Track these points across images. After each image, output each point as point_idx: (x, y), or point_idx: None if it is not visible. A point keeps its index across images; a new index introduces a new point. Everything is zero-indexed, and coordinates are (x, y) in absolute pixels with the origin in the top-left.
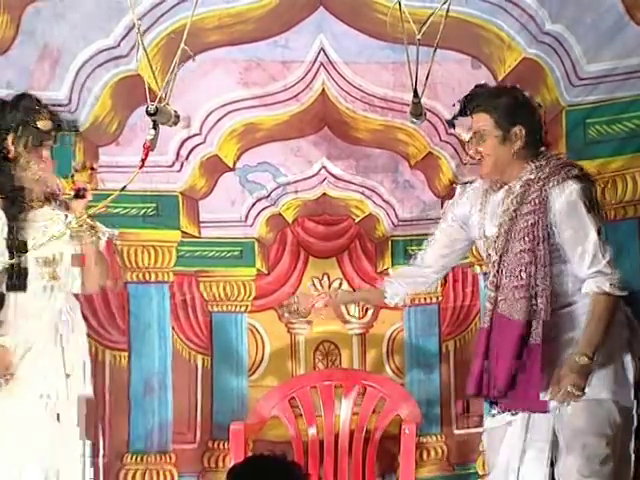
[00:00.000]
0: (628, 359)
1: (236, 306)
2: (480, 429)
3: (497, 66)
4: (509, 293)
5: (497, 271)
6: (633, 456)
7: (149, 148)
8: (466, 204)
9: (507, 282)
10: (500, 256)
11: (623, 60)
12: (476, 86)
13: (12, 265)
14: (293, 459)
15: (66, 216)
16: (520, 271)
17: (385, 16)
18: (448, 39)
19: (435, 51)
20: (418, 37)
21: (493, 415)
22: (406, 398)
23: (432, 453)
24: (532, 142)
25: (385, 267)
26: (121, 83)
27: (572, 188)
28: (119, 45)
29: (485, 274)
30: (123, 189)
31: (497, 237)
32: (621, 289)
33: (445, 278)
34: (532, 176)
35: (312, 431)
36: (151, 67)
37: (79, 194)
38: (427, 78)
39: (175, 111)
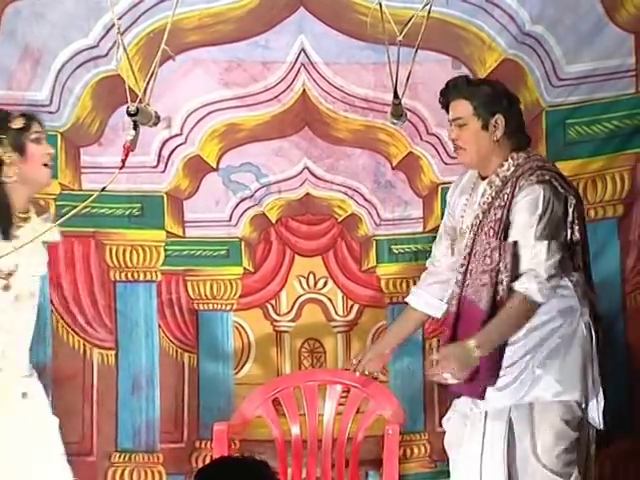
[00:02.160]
0: (594, 364)
1: (222, 304)
2: None
3: (477, 67)
4: (476, 278)
5: (468, 254)
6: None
7: (129, 148)
8: (456, 195)
9: (475, 267)
10: (473, 240)
11: (603, 61)
12: (454, 78)
13: None
14: (262, 460)
15: None
16: (485, 256)
17: (365, 17)
18: (429, 40)
19: (416, 52)
20: (399, 38)
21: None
22: (390, 398)
23: (415, 451)
24: (512, 133)
25: (370, 266)
26: (101, 83)
27: (538, 193)
28: (98, 45)
29: None
30: (103, 190)
31: (471, 226)
32: (544, 297)
33: None
34: (509, 172)
35: (295, 431)
36: (131, 67)
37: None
38: (408, 79)
39: (156, 112)
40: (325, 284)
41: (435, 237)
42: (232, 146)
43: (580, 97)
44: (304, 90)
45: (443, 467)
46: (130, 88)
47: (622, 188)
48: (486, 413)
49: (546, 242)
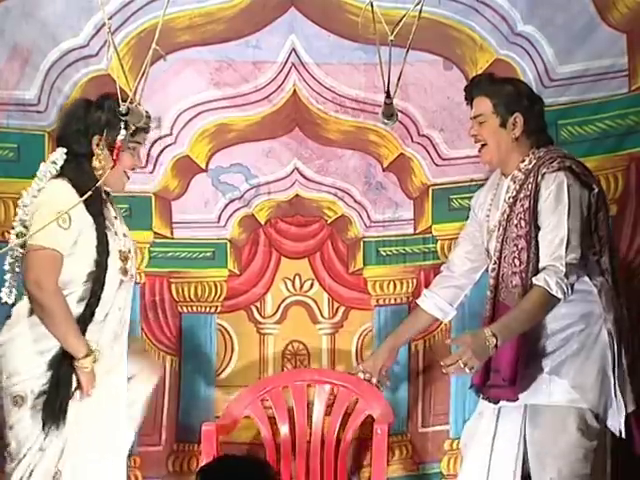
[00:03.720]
0: (614, 371)
1: (206, 307)
2: (445, 427)
3: (469, 67)
4: (508, 281)
5: (498, 258)
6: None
7: (120, 148)
8: (481, 197)
9: (506, 270)
10: (501, 243)
11: (595, 61)
12: (479, 75)
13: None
14: (264, 459)
15: None
16: (514, 258)
17: (356, 17)
18: (420, 40)
19: (407, 52)
20: (391, 38)
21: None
22: (378, 398)
23: (397, 452)
24: (532, 132)
25: (357, 268)
26: (91, 83)
27: (561, 179)
28: (89, 44)
29: None
30: (93, 188)
31: (499, 224)
32: (563, 293)
33: (416, 278)
34: (530, 165)
35: (284, 431)
36: (122, 67)
37: None
38: (399, 79)
39: (146, 111)
40: (311, 286)
41: (425, 239)
42: (222, 147)
43: (572, 97)
44: (295, 90)
45: (426, 470)
46: (121, 88)
47: (616, 188)
48: (499, 410)
49: (567, 236)
